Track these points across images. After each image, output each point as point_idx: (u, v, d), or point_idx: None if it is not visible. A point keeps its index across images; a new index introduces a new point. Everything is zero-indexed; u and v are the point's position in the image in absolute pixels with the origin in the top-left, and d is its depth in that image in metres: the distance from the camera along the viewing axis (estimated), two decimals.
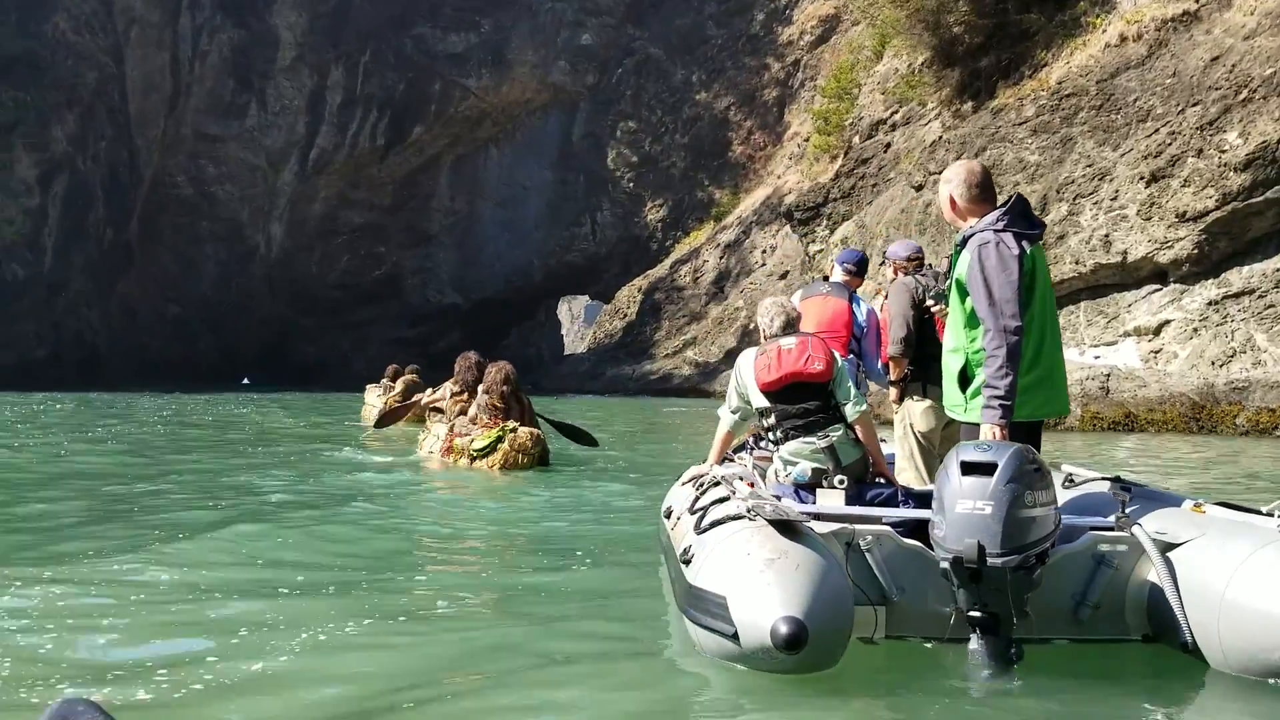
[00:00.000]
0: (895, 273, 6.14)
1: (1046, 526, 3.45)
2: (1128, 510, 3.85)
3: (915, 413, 5.86)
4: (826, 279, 6.59)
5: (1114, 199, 17.81)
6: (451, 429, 10.71)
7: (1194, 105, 17.07)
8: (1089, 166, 18.34)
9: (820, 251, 25.96)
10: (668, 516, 4.81)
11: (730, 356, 33.43)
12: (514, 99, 46.77)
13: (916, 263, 6.13)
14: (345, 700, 3.25)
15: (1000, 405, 3.95)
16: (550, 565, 5.48)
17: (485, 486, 9.00)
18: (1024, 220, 4.13)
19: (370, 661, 3.66)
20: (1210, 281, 16.59)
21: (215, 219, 44.26)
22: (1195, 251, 16.39)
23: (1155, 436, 14.93)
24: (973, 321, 4.14)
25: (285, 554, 5.67)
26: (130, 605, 4.22)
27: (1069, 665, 3.59)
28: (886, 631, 3.67)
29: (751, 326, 33.50)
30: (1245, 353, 15.81)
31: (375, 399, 18.82)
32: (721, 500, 4.06)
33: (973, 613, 3.45)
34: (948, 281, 4.37)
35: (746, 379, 4.87)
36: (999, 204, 4.22)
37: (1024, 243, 4.08)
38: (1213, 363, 15.93)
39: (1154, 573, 3.66)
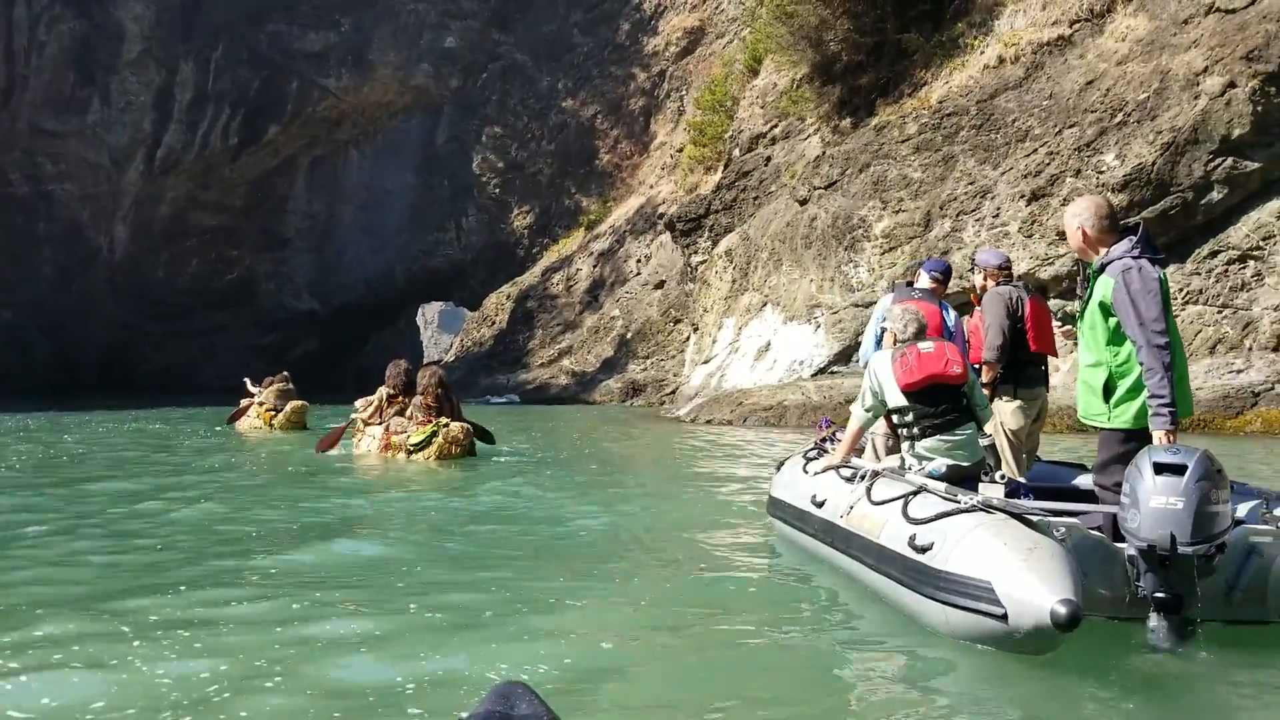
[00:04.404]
0: (986, 280, 6.68)
1: (1226, 520, 4.00)
2: (1272, 506, 4.43)
3: (1006, 412, 6.40)
4: (910, 284, 7.07)
5: (996, 216, 18.44)
6: (387, 428, 12.12)
7: (1071, 127, 17.83)
8: (971, 184, 18.95)
9: (703, 262, 26.10)
10: (818, 505, 5.38)
11: (608, 365, 33.31)
12: (375, 100, 45.57)
13: (1006, 272, 6.70)
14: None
15: (1168, 412, 4.44)
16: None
17: (437, 479, 10.19)
18: (1151, 248, 4.66)
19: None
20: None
21: (53, 219, 41.59)
22: (1075, 269, 17.07)
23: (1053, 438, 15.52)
24: (1116, 339, 4.63)
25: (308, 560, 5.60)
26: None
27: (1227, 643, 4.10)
28: None
29: (629, 335, 33.47)
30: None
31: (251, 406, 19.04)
32: (915, 493, 4.61)
33: (1159, 594, 3.99)
34: (1083, 304, 4.84)
35: (884, 379, 5.34)
36: (1120, 233, 4.75)
37: (1157, 267, 4.61)
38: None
39: None
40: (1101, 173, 16.97)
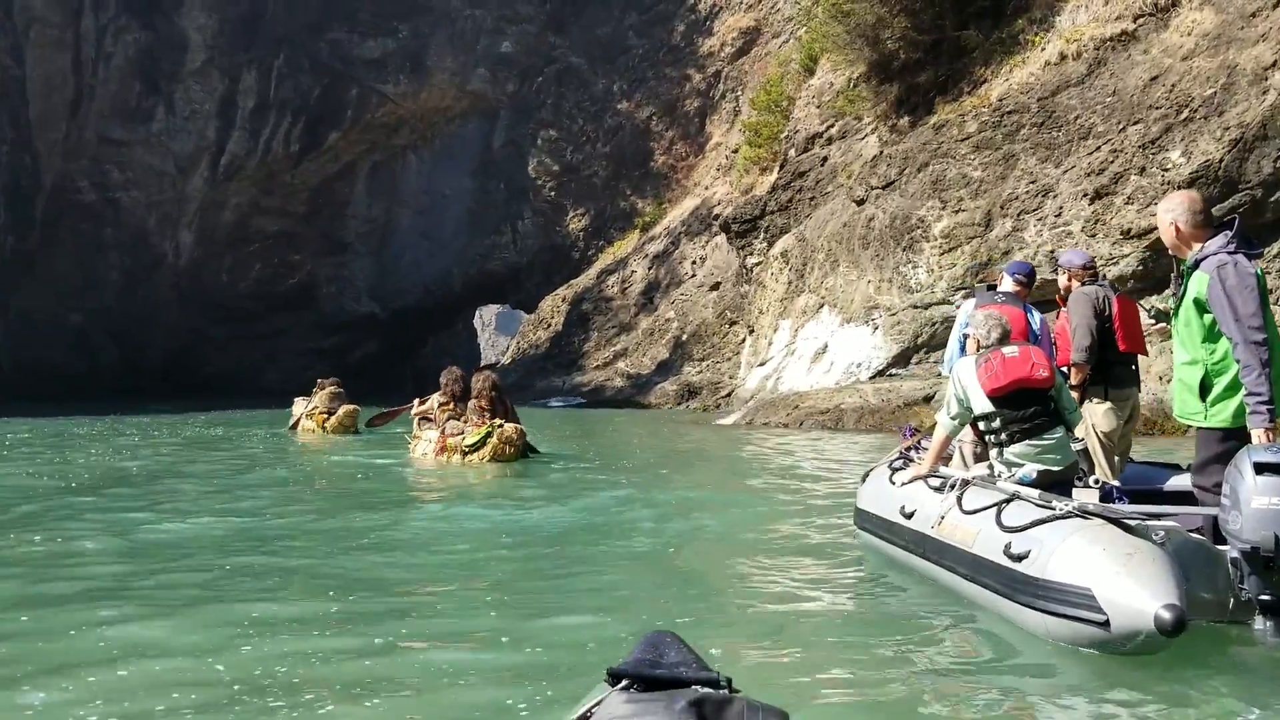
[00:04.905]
0: (1070, 281, 6.56)
1: None
2: None
3: (1097, 414, 6.33)
4: (992, 288, 6.92)
5: (1058, 215, 18.13)
6: (443, 432, 12.42)
7: (1135, 124, 17.48)
8: (1032, 183, 18.65)
9: (759, 264, 25.97)
10: (907, 516, 5.38)
11: (664, 368, 33.27)
12: (433, 106, 45.99)
13: (1091, 272, 6.59)
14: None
15: (1266, 410, 4.37)
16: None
17: (489, 483, 10.53)
18: (1246, 243, 4.60)
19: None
20: (1154, 298, 16.98)
21: (120, 226, 42.53)
22: (1140, 268, 16.75)
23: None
24: (1211, 336, 4.56)
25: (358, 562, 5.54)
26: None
27: None
28: None
29: (684, 338, 33.42)
30: None
31: (301, 409, 19.54)
32: (1007, 501, 4.59)
33: (1264, 597, 3.96)
34: (1177, 300, 4.76)
35: (968, 385, 5.32)
36: (1214, 228, 4.69)
37: (1253, 262, 4.54)
38: (1160, 377, 16.28)
39: None
40: (1167, 170, 16.61)
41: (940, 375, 18.58)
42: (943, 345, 19.34)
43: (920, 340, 19.54)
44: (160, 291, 43.69)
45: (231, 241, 45.07)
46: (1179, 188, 16.36)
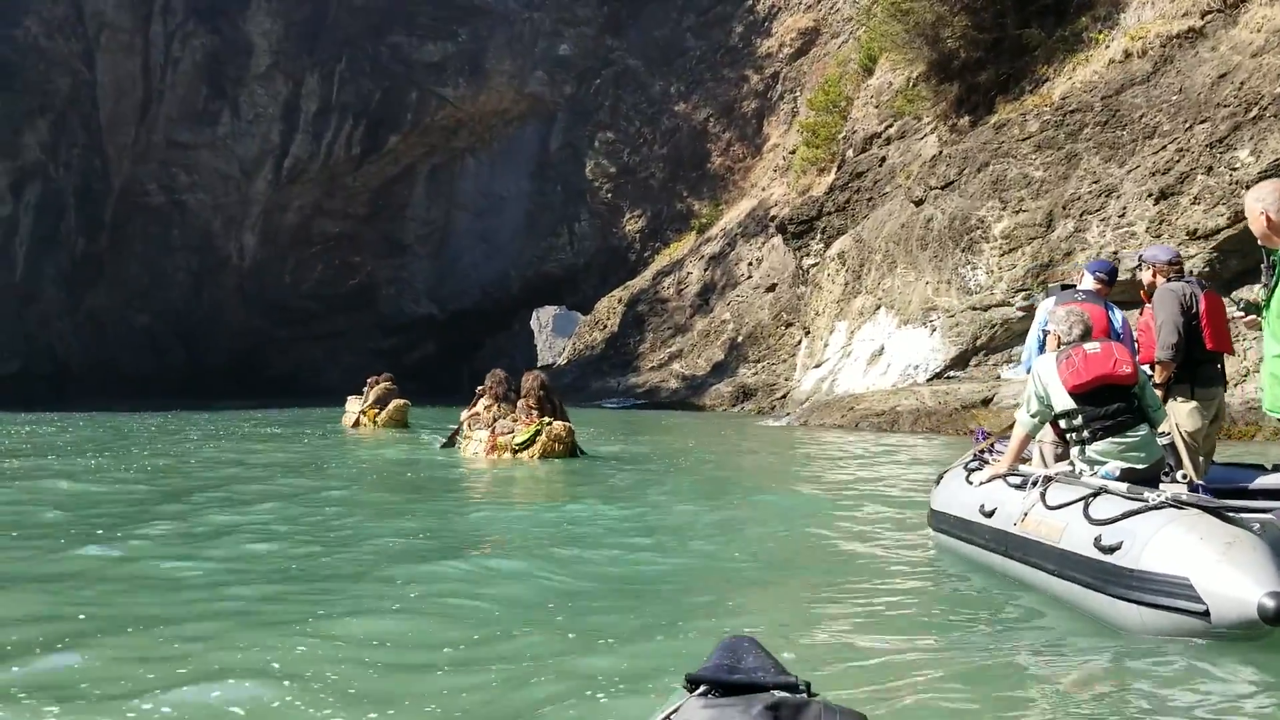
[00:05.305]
0: (1155, 277, 6.42)
1: None
2: None
3: (1182, 413, 6.19)
4: (1067, 287, 6.87)
5: (1122, 216, 17.80)
6: (493, 431, 12.64)
7: (1202, 122, 17.09)
8: (1095, 183, 18.33)
9: (815, 265, 25.82)
10: (987, 515, 5.33)
11: (719, 369, 33.18)
12: (491, 109, 46.34)
13: (1177, 268, 6.44)
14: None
15: None
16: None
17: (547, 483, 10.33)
18: None
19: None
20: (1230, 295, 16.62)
21: (186, 228, 43.39)
22: (1207, 269, 16.36)
23: None
24: None
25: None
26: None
27: None
28: None
29: (740, 339, 33.30)
30: (1259, 372, 15.81)
31: (355, 407, 20.25)
32: (1095, 495, 4.54)
33: None
34: (1268, 292, 4.66)
35: (1049, 382, 5.24)
36: None
37: None
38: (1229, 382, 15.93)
39: None
40: (1235, 169, 16.23)
41: (999, 378, 18.35)
42: (1002, 348, 19.12)
43: (979, 342, 19.30)
44: (225, 293, 44.47)
45: (294, 243, 45.77)
46: (1247, 187, 15.99)
